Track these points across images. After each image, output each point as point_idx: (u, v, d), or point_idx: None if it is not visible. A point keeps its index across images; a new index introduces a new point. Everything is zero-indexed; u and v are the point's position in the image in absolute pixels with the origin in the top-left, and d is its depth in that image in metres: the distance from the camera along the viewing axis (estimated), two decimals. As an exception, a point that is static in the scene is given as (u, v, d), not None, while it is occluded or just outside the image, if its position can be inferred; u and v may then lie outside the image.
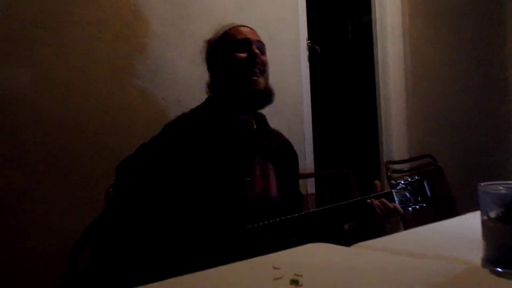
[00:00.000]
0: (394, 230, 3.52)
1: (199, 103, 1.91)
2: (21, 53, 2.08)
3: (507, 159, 4.50)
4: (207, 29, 2.09)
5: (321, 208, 1.73)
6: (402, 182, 1.81)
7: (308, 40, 3.22)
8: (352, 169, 2.56)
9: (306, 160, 3.07)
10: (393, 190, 1.79)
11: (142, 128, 2.37)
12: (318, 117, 3.41)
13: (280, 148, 1.95)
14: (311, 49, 3.25)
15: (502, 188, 1.05)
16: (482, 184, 1.06)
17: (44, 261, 2.11)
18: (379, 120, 3.79)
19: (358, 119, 4.82)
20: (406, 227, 2.76)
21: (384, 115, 3.78)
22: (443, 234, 1.47)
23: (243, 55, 1.83)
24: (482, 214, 1.05)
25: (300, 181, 2.89)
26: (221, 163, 1.71)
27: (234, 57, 1.83)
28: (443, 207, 3.12)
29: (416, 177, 1.83)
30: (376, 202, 1.71)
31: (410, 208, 1.80)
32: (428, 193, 1.80)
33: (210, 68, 1.96)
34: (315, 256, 1.26)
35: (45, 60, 2.14)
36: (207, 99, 1.93)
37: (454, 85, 4.14)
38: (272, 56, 2.88)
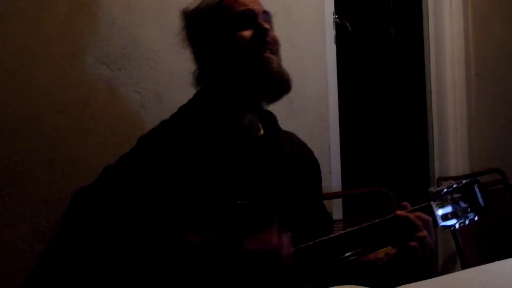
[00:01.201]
0: (449, 267, 3.53)
1: (185, 98, 1.92)
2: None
3: None
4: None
5: (331, 236, 1.73)
6: (445, 190, 1.79)
7: (336, 14, 3.23)
8: (392, 188, 2.57)
9: (332, 176, 3.08)
10: (431, 202, 1.77)
11: (107, 132, 2.38)
12: (347, 120, 3.42)
13: (295, 157, 1.97)
14: (339, 26, 3.27)
15: None
16: None
17: None
18: (430, 124, 3.80)
19: (402, 123, 4.83)
20: (464, 266, 2.77)
21: (438, 118, 3.79)
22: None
23: (247, 33, 1.82)
24: None
25: (324, 202, 2.92)
26: (210, 182, 1.72)
27: (236, 37, 1.82)
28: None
29: (464, 181, 1.82)
30: (412, 215, 1.71)
31: (458, 225, 1.79)
32: (481, 201, 1.79)
33: (197, 53, 1.96)
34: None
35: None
36: (195, 95, 1.94)
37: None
38: (287, 37, 2.93)
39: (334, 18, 3.22)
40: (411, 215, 1.70)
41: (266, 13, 1.89)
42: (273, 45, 1.85)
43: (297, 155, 1.98)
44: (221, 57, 1.87)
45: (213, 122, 1.82)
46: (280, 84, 1.84)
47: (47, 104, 2.28)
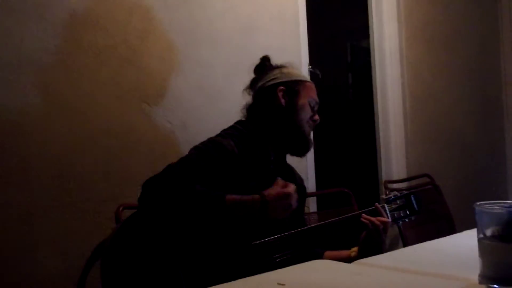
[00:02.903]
0: (394, 247, 3.52)
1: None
2: (32, 79, 2.10)
3: (503, 178, 4.50)
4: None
5: (319, 224, 1.75)
6: (392, 197, 1.85)
7: (309, 65, 3.23)
8: (352, 188, 2.57)
9: (308, 180, 3.07)
10: (385, 205, 1.82)
11: (148, 151, 2.38)
12: (319, 138, 3.42)
13: (298, 182, 1.96)
14: (312, 73, 3.27)
15: (498, 207, 1.05)
16: (478, 203, 1.07)
17: (51, 282, 2.11)
18: (378, 141, 3.80)
19: (358, 140, 4.84)
20: (405, 245, 2.76)
21: (383, 136, 3.78)
22: (441, 252, 1.47)
23: (310, 113, 1.90)
24: (478, 233, 1.06)
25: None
26: (244, 185, 1.70)
27: (306, 107, 1.89)
28: (441, 225, 3.12)
29: (405, 192, 1.87)
30: (372, 219, 1.75)
31: (400, 221, 1.84)
32: (415, 206, 1.84)
33: (261, 94, 1.93)
34: (319, 273, 1.26)
35: (56, 85, 2.16)
36: (237, 124, 1.89)
37: (451, 107, 4.15)
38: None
39: (309, 67, 3.22)
40: (372, 222, 1.74)
41: (318, 103, 1.95)
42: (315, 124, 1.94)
43: (297, 181, 1.97)
44: (282, 111, 1.88)
45: (249, 142, 1.81)
46: (308, 149, 1.94)
47: (103, 130, 2.28)
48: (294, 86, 1.90)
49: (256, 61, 1.97)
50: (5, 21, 2.04)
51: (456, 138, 4.16)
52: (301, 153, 1.93)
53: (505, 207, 1.05)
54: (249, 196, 1.61)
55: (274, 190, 1.63)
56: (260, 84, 1.94)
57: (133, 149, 2.35)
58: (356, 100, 5.21)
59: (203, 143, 1.76)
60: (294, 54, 3.11)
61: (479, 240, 1.06)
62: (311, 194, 3.01)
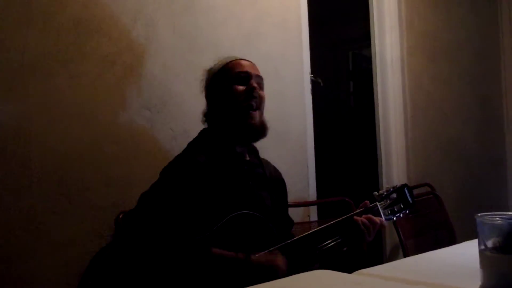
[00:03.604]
0: (394, 257, 3.51)
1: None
2: (35, 85, 2.10)
3: (504, 189, 4.49)
4: (215, 62, 2.11)
5: (310, 232, 1.74)
6: (385, 193, 1.83)
7: (311, 74, 3.24)
8: (353, 197, 2.56)
9: (309, 189, 3.06)
10: (377, 203, 1.80)
11: (149, 157, 2.38)
12: (321, 147, 3.42)
13: (271, 176, 1.98)
14: (314, 82, 3.27)
15: (499, 218, 1.05)
16: (479, 214, 1.07)
17: None
18: (379, 150, 3.80)
19: (359, 148, 4.84)
20: (405, 255, 2.75)
21: (384, 146, 3.78)
22: (441, 262, 1.47)
23: (241, 87, 1.84)
24: (479, 244, 1.06)
25: (303, 208, 2.91)
26: (220, 196, 1.71)
27: (233, 88, 1.84)
28: (442, 235, 3.12)
29: (397, 185, 1.85)
30: (361, 219, 1.75)
31: (395, 217, 1.83)
32: (409, 199, 1.82)
33: (208, 97, 1.97)
34: (319, 283, 1.26)
35: (58, 91, 2.16)
36: (201, 132, 1.94)
37: (452, 116, 4.16)
38: (277, 89, 2.94)
39: (310, 76, 3.22)
40: (362, 222, 1.74)
41: (259, 77, 1.90)
42: (259, 100, 1.86)
43: (272, 174, 1.99)
44: (221, 101, 1.88)
45: (217, 151, 1.83)
46: (258, 134, 1.87)
47: (105, 137, 2.28)
48: (218, 77, 1.92)
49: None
50: (8, 27, 2.05)
51: (456, 146, 4.16)
52: (252, 137, 1.89)
53: (506, 218, 1.05)
54: (233, 253, 1.60)
55: (263, 258, 1.62)
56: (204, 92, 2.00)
57: (135, 156, 2.35)
58: (357, 108, 5.22)
59: (171, 165, 1.80)
60: (296, 62, 3.12)
61: (480, 251, 1.06)
62: (312, 203, 3.01)
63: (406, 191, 1.82)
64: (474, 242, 1.09)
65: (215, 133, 1.88)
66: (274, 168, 2.06)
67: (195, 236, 1.60)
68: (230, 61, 1.92)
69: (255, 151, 1.98)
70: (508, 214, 1.07)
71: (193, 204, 1.66)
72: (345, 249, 1.76)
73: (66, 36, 2.19)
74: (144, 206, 1.68)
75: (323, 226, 1.76)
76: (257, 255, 1.61)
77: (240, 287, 1.39)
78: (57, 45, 2.16)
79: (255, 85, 1.85)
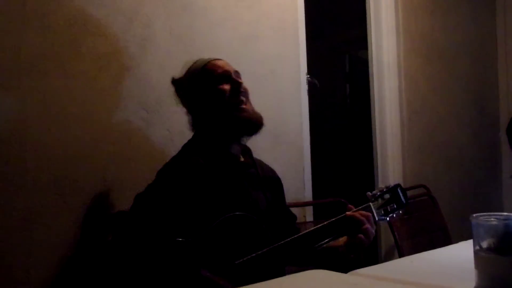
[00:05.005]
0: (390, 257, 3.51)
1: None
2: (31, 85, 2.09)
3: (499, 190, 4.50)
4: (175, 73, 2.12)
5: (304, 232, 1.73)
6: (378, 193, 1.81)
7: (308, 74, 3.24)
8: (348, 198, 2.56)
9: (305, 190, 3.06)
10: (370, 203, 1.79)
11: (146, 158, 2.37)
12: (316, 148, 3.41)
13: (265, 175, 1.98)
14: (310, 83, 3.27)
15: (494, 219, 1.05)
16: (474, 215, 1.07)
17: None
18: (375, 152, 3.80)
19: (356, 150, 4.84)
20: (401, 255, 2.75)
21: (380, 148, 3.78)
22: (437, 263, 1.47)
23: (227, 86, 1.85)
24: (474, 245, 1.06)
25: (299, 209, 2.90)
26: (215, 198, 1.71)
27: (219, 89, 1.85)
28: (437, 236, 3.12)
29: (390, 185, 1.84)
30: (352, 212, 1.74)
31: (388, 218, 1.81)
32: (403, 199, 1.80)
33: (190, 105, 1.97)
34: (315, 283, 1.25)
35: (54, 91, 2.14)
36: (194, 135, 1.94)
37: (448, 119, 4.16)
38: (273, 89, 2.94)
39: (307, 77, 3.22)
40: (356, 214, 1.72)
41: (237, 72, 1.93)
42: (245, 93, 1.88)
43: (266, 174, 2.00)
44: (209, 106, 1.88)
45: (210, 151, 1.83)
46: (257, 123, 1.87)
47: (101, 137, 2.26)
48: (197, 83, 1.92)
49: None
50: (4, 27, 2.03)
51: (452, 149, 4.16)
52: (252, 129, 1.88)
53: (501, 219, 1.04)
54: (225, 282, 1.58)
55: None
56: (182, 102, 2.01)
57: (131, 156, 2.34)
58: (353, 111, 5.22)
59: (167, 167, 1.80)
60: (293, 63, 3.11)
61: (475, 252, 1.05)
62: (308, 203, 3.01)
63: (399, 191, 1.81)
64: (469, 243, 1.09)
65: (209, 135, 1.88)
66: (268, 167, 2.06)
67: (188, 237, 1.59)
68: (205, 65, 1.94)
69: (248, 152, 1.98)
70: (503, 214, 1.06)
71: (188, 205, 1.65)
72: (352, 256, 1.75)
73: (62, 36, 2.17)
74: (139, 207, 1.68)
75: (316, 226, 1.75)
76: None
77: None
78: (53, 45, 2.15)
79: (239, 80, 1.88)
